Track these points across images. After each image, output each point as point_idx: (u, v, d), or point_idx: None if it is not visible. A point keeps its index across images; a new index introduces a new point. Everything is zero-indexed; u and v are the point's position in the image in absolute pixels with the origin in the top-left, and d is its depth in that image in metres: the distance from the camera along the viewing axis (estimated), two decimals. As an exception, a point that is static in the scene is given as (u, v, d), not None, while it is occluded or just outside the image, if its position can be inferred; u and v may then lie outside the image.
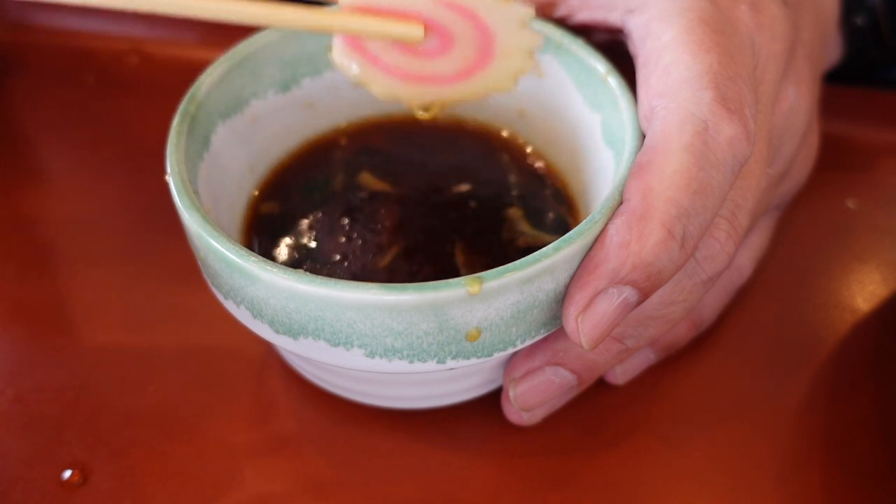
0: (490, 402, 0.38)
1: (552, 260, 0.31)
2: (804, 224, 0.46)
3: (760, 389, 0.40)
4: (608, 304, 0.31)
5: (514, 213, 0.40)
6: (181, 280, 0.42)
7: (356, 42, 0.35)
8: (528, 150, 0.43)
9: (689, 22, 0.34)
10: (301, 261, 0.38)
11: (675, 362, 0.41)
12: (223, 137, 0.39)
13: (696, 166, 0.31)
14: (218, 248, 0.32)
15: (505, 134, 0.43)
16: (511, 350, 0.33)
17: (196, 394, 0.40)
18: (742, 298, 0.42)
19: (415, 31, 0.34)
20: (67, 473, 0.37)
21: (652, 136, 0.33)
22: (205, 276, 0.35)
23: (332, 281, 0.30)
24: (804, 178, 0.43)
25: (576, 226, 0.32)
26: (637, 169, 0.32)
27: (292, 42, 0.41)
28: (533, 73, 0.36)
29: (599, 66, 0.38)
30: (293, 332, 0.32)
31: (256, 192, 0.41)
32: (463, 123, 0.44)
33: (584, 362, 0.36)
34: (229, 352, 0.41)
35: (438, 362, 0.32)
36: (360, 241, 0.39)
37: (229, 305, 0.34)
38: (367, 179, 0.42)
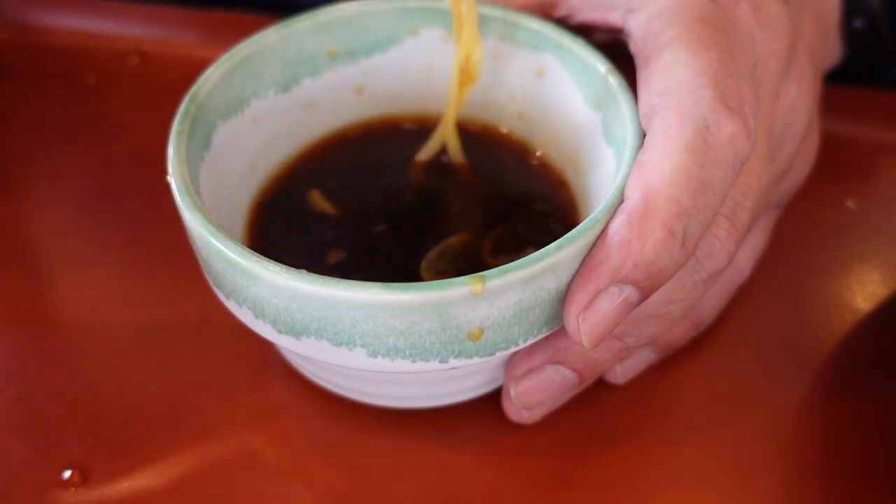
0: (491, 402, 0.38)
1: (554, 258, 0.31)
2: (804, 224, 0.46)
3: (760, 389, 0.40)
4: (609, 303, 0.32)
5: (515, 212, 0.40)
6: (182, 280, 0.42)
7: None
8: (528, 150, 0.43)
9: (689, 21, 0.34)
10: (303, 260, 0.38)
11: (675, 362, 0.41)
12: (224, 138, 0.39)
13: (696, 165, 0.31)
14: (220, 248, 0.32)
15: (504, 134, 0.43)
16: (513, 349, 0.33)
17: (196, 394, 0.40)
18: (742, 298, 0.42)
19: None
20: (67, 473, 0.37)
21: (652, 134, 0.33)
22: (206, 276, 0.35)
23: (335, 280, 0.30)
24: (804, 177, 0.43)
25: (577, 225, 0.32)
26: (637, 167, 0.32)
27: (292, 42, 0.41)
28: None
29: (600, 65, 0.38)
30: (295, 332, 0.32)
31: (258, 192, 0.41)
32: (463, 125, 0.44)
33: (584, 361, 0.36)
34: (230, 352, 0.41)
35: (441, 361, 0.32)
36: (363, 241, 0.39)
37: (231, 305, 0.34)
38: (369, 180, 0.42)
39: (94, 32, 0.58)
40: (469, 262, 0.38)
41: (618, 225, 0.31)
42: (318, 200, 0.40)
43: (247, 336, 0.37)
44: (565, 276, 0.32)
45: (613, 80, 0.37)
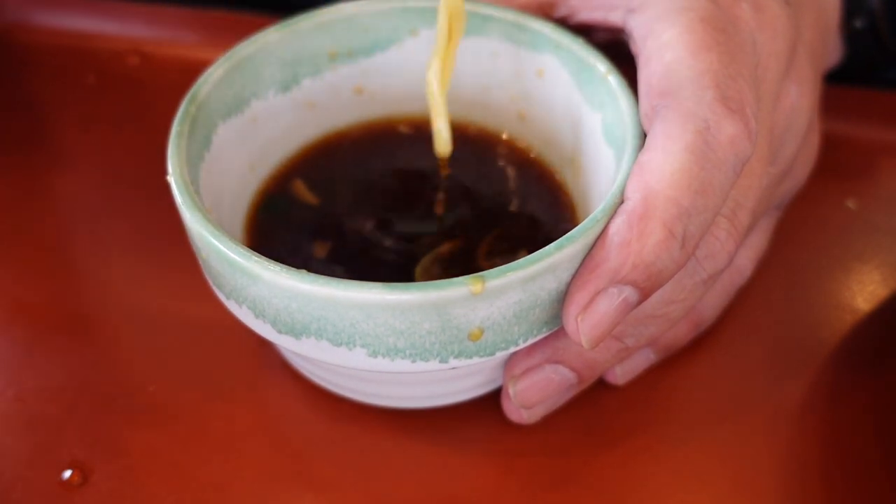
0: (490, 402, 0.38)
1: (554, 259, 0.31)
2: (804, 224, 0.46)
3: (760, 389, 0.40)
4: (608, 304, 0.32)
5: (514, 212, 0.40)
6: (182, 280, 0.42)
7: None
8: (528, 150, 0.43)
9: (689, 21, 0.34)
10: (303, 261, 0.38)
11: (675, 362, 0.41)
12: (224, 138, 0.39)
13: (697, 165, 0.31)
14: (220, 248, 0.32)
15: (504, 136, 0.43)
16: (513, 349, 0.33)
17: (196, 394, 0.40)
18: (742, 298, 0.42)
19: None
20: (67, 473, 0.37)
21: (653, 135, 0.33)
22: (206, 276, 0.35)
23: (335, 280, 0.30)
24: (805, 177, 0.43)
25: (576, 225, 0.32)
26: (638, 168, 0.32)
27: (292, 42, 0.41)
28: None
29: (599, 64, 0.38)
30: (295, 332, 0.32)
31: (257, 192, 0.41)
32: (462, 126, 0.44)
33: (583, 360, 0.36)
34: (230, 352, 0.41)
35: (441, 361, 0.32)
36: (362, 242, 0.39)
37: (231, 306, 0.34)
38: (369, 181, 0.42)
39: (94, 32, 0.58)
40: (464, 267, 0.38)
41: (618, 225, 0.31)
42: (302, 191, 0.40)
43: (247, 336, 0.37)
44: (565, 277, 0.32)
45: (613, 80, 0.37)
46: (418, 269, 0.37)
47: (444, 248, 0.39)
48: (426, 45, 0.42)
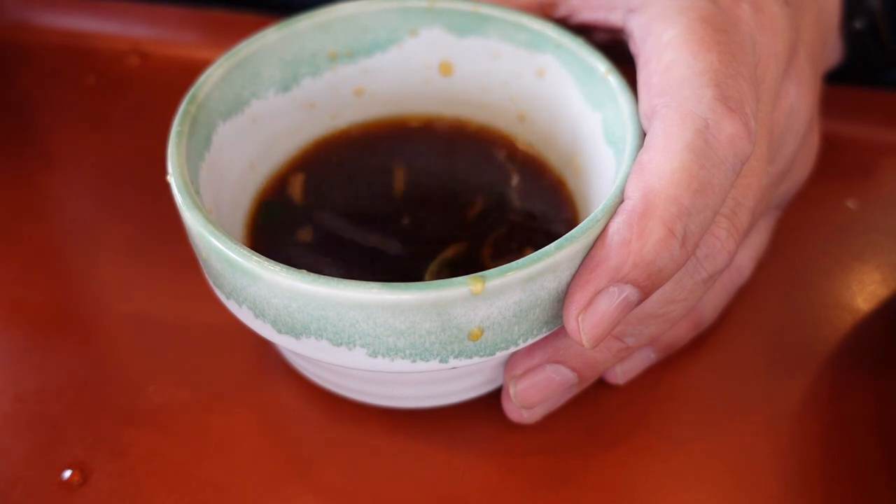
0: (490, 402, 0.38)
1: (554, 258, 0.31)
2: (804, 224, 0.46)
3: (760, 389, 0.40)
4: (609, 303, 0.32)
5: (515, 213, 0.40)
6: (182, 280, 0.42)
7: None
8: (528, 150, 0.43)
9: (690, 21, 0.34)
10: (303, 261, 0.38)
11: (675, 362, 0.41)
12: (224, 137, 0.39)
13: (697, 164, 0.31)
14: (220, 248, 0.32)
15: (504, 135, 0.44)
16: (513, 349, 0.33)
17: (196, 394, 0.40)
18: (742, 298, 0.42)
19: None
20: (67, 473, 0.37)
21: (653, 134, 0.33)
22: (206, 276, 0.35)
23: (335, 280, 0.30)
24: (804, 177, 0.43)
25: (577, 225, 0.32)
26: (638, 167, 0.32)
27: (292, 42, 0.41)
28: None
29: (599, 64, 0.38)
30: (295, 332, 0.32)
31: (258, 192, 0.41)
32: (462, 126, 0.44)
33: (584, 360, 0.36)
34: (230, 352, 0.41)
35: (441, 361, 0.32)
36: (363, 243, 0.39)
37: (231, 306, 0.34)
38: (369, 181, 0.42)
39: (94, 32, 0.58)
40: (471, 270, 0.38)
41: (618, 224, 0.31)
42: (301, 191, 0.40)
43: (247, 336, 0.37)
44: (565, 276, 0.32)
45: (613, 80, 0.37)
46: (427, 277, 0.37)
47: (450, 251, 0.38)
48: (426, 45, 0.42)
